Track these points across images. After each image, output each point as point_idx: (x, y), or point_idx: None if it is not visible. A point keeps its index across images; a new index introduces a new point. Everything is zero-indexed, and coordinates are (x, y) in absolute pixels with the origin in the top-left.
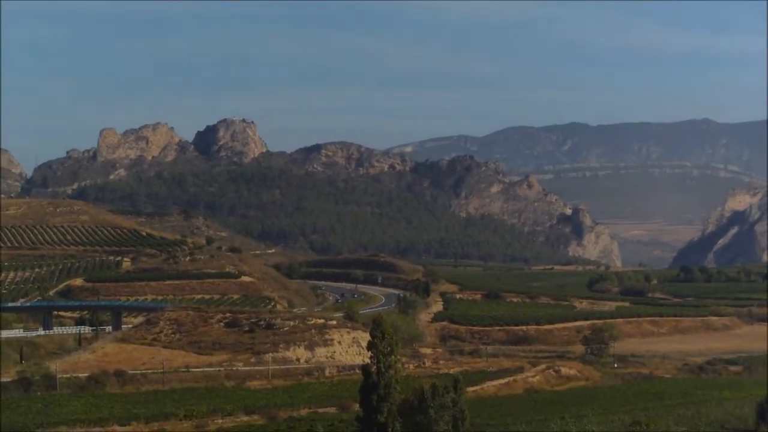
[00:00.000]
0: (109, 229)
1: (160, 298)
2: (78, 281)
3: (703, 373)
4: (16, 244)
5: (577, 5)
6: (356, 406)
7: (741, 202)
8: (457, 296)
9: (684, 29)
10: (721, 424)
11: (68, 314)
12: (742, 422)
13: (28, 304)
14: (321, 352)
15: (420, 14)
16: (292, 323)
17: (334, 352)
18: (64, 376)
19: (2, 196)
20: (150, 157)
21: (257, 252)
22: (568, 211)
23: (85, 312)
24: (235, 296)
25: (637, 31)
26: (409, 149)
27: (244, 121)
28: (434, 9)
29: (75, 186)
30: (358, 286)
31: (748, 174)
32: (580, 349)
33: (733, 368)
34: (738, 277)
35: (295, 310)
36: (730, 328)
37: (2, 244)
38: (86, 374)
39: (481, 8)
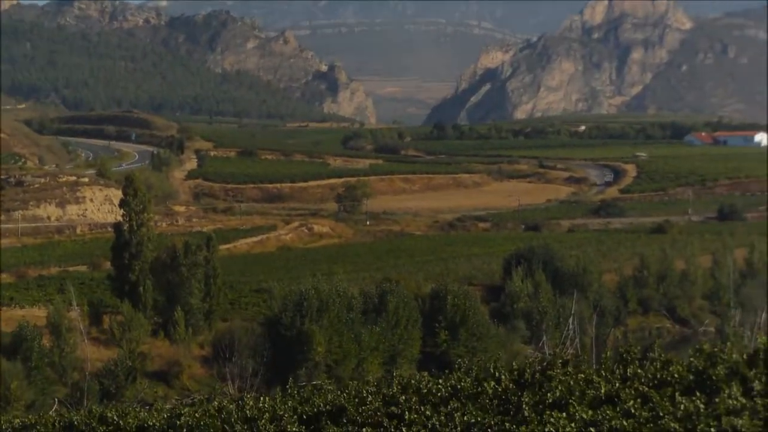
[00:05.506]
0: None
1: None
2: None
3: (453, 229)
4: None
5: None
6: (108, 265)
7: (494, 59)
8: (212, 154)
9: None
10: (469, 280)
11: None
12: (489, 277)
13: None
14: (72, 209)
15: None
16: (42, 180)
17: (86, 209)
18: None
19: None
20: None
21: (7, 107)
22: (324, 68)
23: None
24: None
25: None
26: (164, 3)
27: None
28: None
29: None
30: (112, 142)
31: (502, 31)
32: (333, 206)
33: (482, 225)
34: (489, 134)
35: (46, 167)
36: (480, 185)
37: None
38: None
39: None
